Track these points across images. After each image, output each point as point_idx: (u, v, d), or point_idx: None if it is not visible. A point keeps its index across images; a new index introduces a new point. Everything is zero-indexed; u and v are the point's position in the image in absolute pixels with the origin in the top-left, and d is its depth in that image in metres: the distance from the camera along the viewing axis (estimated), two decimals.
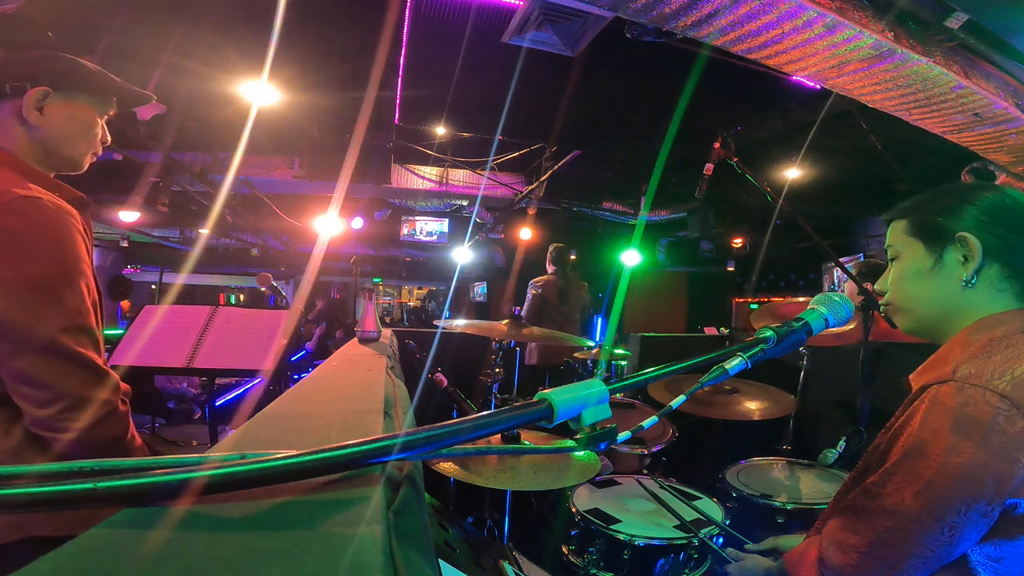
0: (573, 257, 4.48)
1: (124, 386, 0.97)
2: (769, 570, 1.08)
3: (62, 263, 0.89)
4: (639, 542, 1.37)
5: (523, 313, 4.18)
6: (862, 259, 6.33)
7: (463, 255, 7.37)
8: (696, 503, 1.59)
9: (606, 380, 0.57)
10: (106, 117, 1.11)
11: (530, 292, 4.28)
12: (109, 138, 1.13)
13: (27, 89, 0.97)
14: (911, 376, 0.92)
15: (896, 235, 0.95)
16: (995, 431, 0.71)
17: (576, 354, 3.30)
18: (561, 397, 0.53)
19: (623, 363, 4.23)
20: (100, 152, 1.11)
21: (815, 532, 0.98)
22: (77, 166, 1.08)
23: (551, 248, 4.43)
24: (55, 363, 0.87)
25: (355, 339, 1.73)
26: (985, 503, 0.72)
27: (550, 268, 4.37)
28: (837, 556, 0.83)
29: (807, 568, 0.89)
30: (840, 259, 2.10)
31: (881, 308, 1.00)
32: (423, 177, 6.41)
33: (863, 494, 0.83)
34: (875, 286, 1.00)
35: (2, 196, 0.85)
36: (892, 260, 0.97)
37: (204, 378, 3.77)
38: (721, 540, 1.46)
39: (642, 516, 1.50)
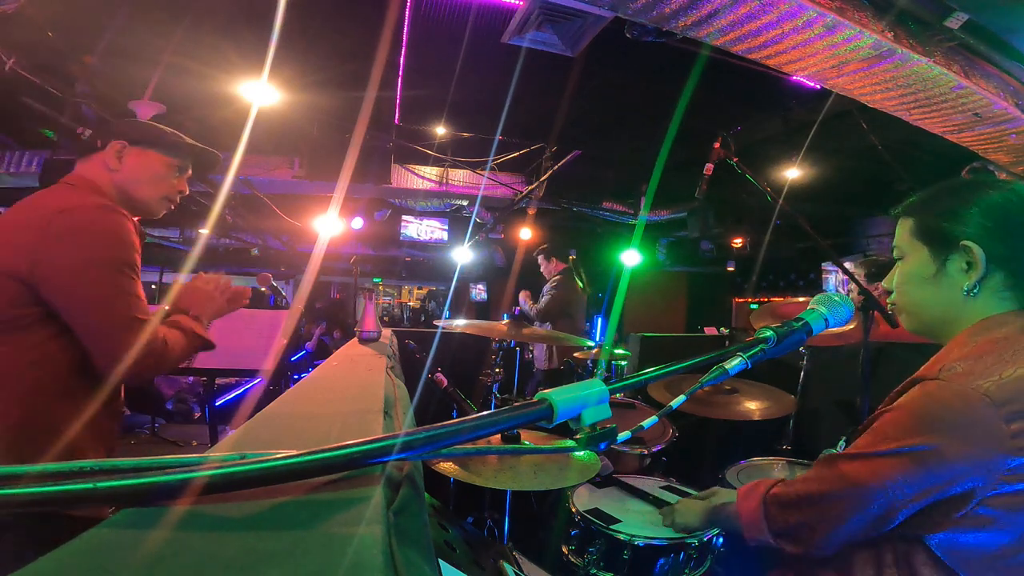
0: (572, 257, 4.49)
1: (162, 334, 1.23)
2: (710, 508, 1.14)
3: (124, 250, 1.19)
4: (639, 542, 1.37)
5: (543, 308, 4.13)
6: (863, 259, 6.33)
7: (463, 255, 7.36)
8: None
9: (606, 380, 0.57)
10: (180, 172, 1.40)
11: (553, 290, 4.22)
12: (187, 190, 1.43)
13: (111, 143, 1.30)
14: (909, 379, 0.92)
15: (902, 235, 0.94)
16: (968, 424, 0.73)
17: (576, 354, 3.31)
18: (561, 397, 0.53)
19: (623, 363, 4.23)
20: (176, 201, 1.41)
21: None
22: (151, 211, 1.37)
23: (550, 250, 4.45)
24: (129, 327, 1.14)
25: (355, 339, 1.73)
26: (939, 492, 0.74)
27: (556, 267, 4.36)
28: (780, 488, 0.91)
29: (754, 497, 0.95)
30: (840, 259, 2.10)
31: (888, 307, 1.01)
32: (423, 177, 6.41)
33: (825, 461, 0.88)
34: (883, 284, 1.00)
35: (86, 205, 1.19)
36: (898, 260, 0.96)
37: (204, 378, 3.77)
38: (721, 540, 1.46)
39: (642, 516, 1.50)
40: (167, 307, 1.40)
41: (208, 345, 1.37)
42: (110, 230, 1.17)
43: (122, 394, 1.32)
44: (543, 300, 4.23)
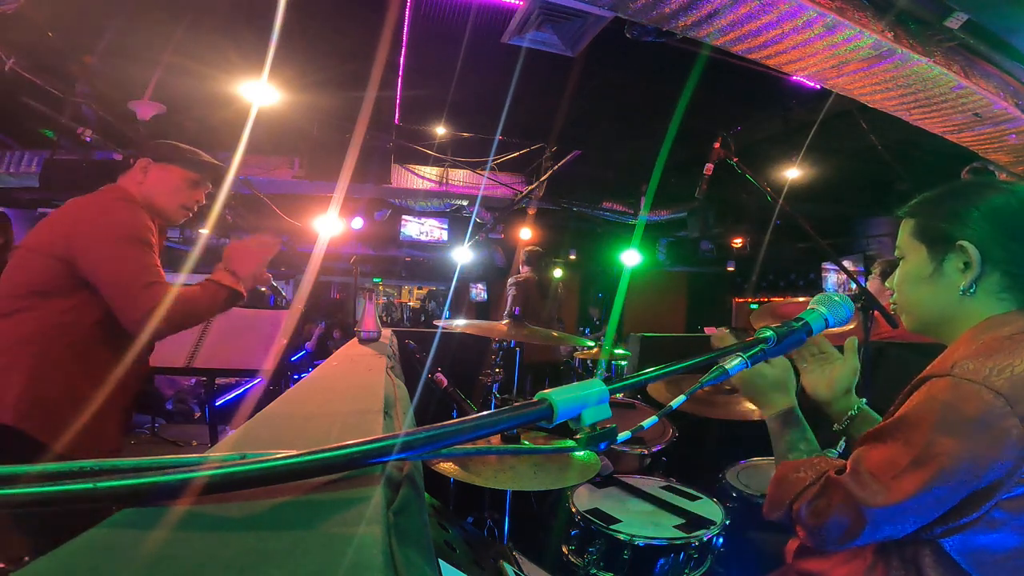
0: (573, 255, 4.57)
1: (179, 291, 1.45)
2: (774, 414, 1.03)
3: (137, 229, 1.44)
4: (639, 542, 1.37)
5: (508, 309, 4.28)
6: (879, 258, 6.32)
7: (463, 255, 7.36)
8: (696, 503, 1.59)
9: (606, 380, 0.57)
10: (196, 185, 1.64)
11: (511, 291, 4.36)
12: (203, 200, 1.68)
13: (139, 160, 1.58)
14: (919, 377, 0.92)
15: (904, 235, 0.95)
16: (984, 426, 0.71)
17: (575, 353, 3.31)
18: (561, 397, 0.53)
19: (623, 363, 4.23)
20: (194, 209, 1.66)
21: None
22: (170, 217, 1.63)
23: (526, 250, 4.52)
24: (145, 289, 1.37)
25: (355, 339, 1.73)
26: (955, 497, 0.72)
27: (524, 269, 4.44)
28: (807, 512, 0.84)
29: (790, 487, 0.88)
30: (840, 259, 2.09)
31: (891, 306, 1.00)
32: (423, 177, 6.40)
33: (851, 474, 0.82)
34: (886, 283, 1.00)
35: (107, 199, 1.49)
36: (900, 260, 0.96)
37: (204, 378, 3.77)
38: (721, 540, 1.46)
39: (642, 516, 1.50)
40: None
41: (237, 295, 1.59)
42: (125, 215, 1.45)
43: (143, 365, 1.55)
44: (509, 296, 4.36)
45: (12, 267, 1.41)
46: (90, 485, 0.37)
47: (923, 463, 0.73)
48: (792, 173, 5.32)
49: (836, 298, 0.85)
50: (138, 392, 1.59)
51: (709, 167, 1.83)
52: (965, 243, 0.84)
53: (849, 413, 1.10)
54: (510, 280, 4.45)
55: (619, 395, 0.76)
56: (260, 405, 0.78)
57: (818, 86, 2.87)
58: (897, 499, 0.74)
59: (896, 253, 0.97)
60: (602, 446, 0.56)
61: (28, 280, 1.38)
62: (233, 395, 4.59)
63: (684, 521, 1.47)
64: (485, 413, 0.48)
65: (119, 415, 1.50)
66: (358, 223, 6.48)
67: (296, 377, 5.16)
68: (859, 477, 0.79)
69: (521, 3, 3.22)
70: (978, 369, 0.74)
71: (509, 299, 4.35)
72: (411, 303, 13.69)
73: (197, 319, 1.52)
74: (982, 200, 0.86)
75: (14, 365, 1.31)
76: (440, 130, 5.60)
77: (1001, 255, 0.84)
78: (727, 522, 1.48)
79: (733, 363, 0.69)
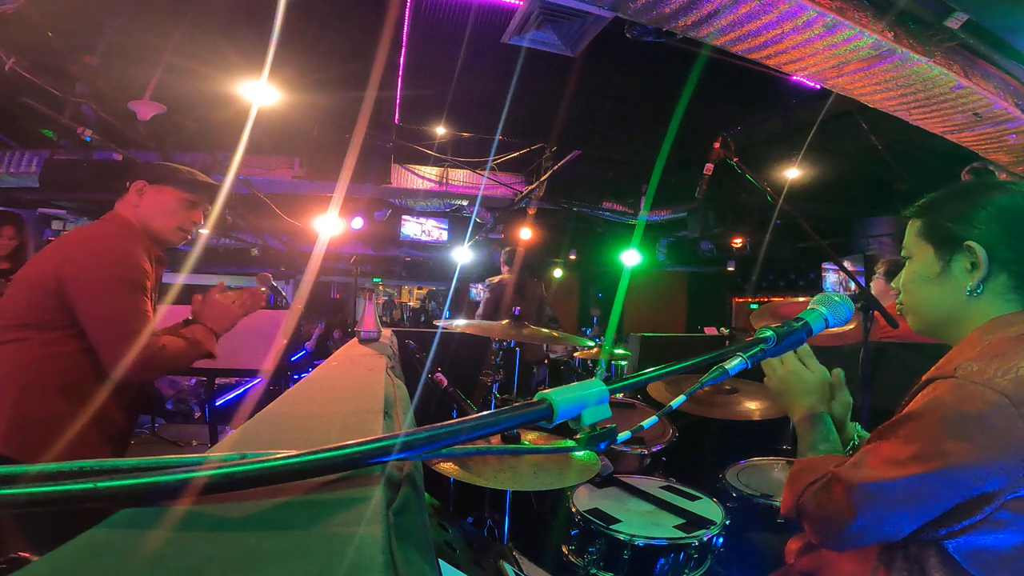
0: (573, 255, 4.59)
1: (161, 340, 1.44)
2: (804, 417, 1.03)
3: (130, 271, 1.41)
4: (639, 542, 1.37)
5: (480, 311, 4.32)
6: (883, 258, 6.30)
7: (463, 255, 7.36)
8: (696, 503, 1.59)
9: (606, 380, 0.57)
10: (193, 206, 1.59)
11: (485, 292, 4.38)
12: (201, 221, 1.63)
13: (134, 183, 1.54)
14: (924, 379, 0.91)
15: (911, 235, 0.94)
16: (988, 428, 0.71)
17: (575, 353, 3.30)
18: (561, 397, 0.53)
19: (623, 363, 4.23)
20: (192, 231, 1.61)
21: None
22: (167, 240, 1.58)
23: (504, 251, 4.57)
24: (129, 337, 1.34)
25: (355, 339, 1.73)
26: (953, 496, 0.72)
27: (504, 269, 4.45)
28: (810, 504, 0.86)
29: (800, 481, 0.90)
30: (840, 259, 2.09)
31: (898, 307, 1.00)
32: (423, 177, 6.40)
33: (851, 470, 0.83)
34: (892, 284, 1.00)
35: (103, 233, 1.48)
36: (907, 260, 0.96)
37: (204, 378, 3.77)
38: (721, 540, 1.46)
39: (642, 516, 1.50)
40: (188, 316, 1.64)
41: (210, 355, 1.58)
42: (119, 254, 1.41)
43: (132, 396, 1.52)
44: (482, 299, 4.40)
45: (7, 298, 1.41)
46: (90, 485, 0.37)
47: (924, 460, 0.73)
48: (792, 173, 5.32)
49: (836, 298, 0.84)
50: (133, 415, 1.58)
51: (709, 167, 1.82)
52: (972, 243, 0.84)
53: (849, 445, 1.11)
54: (485, 282, 4.48)
55: (619, 395, 0.76)
56: (260, 405, 0.78)
57: (818, 86, 2.87)
58: (884, 476, 0.75)
59: (903, 253, 0.96)
60: (602, 446, 0.56)
61: (23, 313, 1.37)
62: (233, 395, 4.59)
63: (684, 521, 1.47)
64: (485, 413, 0.48)
65: (113, 438, 1.49)
66: (358, 223, 6.47)
67: (296, 377, 5.15)
68: (857, 466, 0.80)
69: (521, 3, 3.22)
70: (982, 370, 0.74)
71: (482, 303, 4.39)
72: (411, 303, 13.68)
73: (174, 370, 1.55)
74: (989, 200, 0.86)
75: (2, 394, 1.31)
76: (440, 130, 5.60)
77: (1008, 255, 0.84)
78: (727, 522, 1.48)
79: (733, 363, 0.69)
